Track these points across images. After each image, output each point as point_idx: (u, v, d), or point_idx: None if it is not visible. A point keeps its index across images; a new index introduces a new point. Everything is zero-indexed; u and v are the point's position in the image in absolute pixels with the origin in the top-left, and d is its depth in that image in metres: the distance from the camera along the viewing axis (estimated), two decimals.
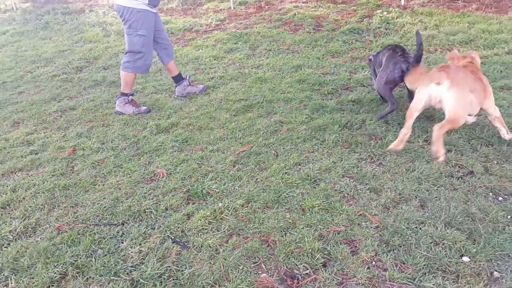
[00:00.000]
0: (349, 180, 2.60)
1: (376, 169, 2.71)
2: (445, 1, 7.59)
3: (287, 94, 4.15)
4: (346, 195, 2.46)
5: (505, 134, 2.87)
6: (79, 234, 2.27)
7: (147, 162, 3.06)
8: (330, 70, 4.78)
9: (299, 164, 2.86)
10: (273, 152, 3.06)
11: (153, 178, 2.84)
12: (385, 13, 6.80)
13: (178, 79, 4.35)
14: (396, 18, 6.52)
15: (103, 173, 2.95)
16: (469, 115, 2.86)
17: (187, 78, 4.38)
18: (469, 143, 2.91)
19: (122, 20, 3.83)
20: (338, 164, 2.79)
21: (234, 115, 3.80)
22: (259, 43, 6.21)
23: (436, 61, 4.60)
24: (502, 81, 3.88)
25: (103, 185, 2.79)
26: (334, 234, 2.10)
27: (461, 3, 7.30)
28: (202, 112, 3.93)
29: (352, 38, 5.91)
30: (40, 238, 2.29)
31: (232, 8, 8.75)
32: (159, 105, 4.16)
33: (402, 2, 7.38)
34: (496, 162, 2.65)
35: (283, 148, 3.10)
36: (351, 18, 6.94)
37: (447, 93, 2.58)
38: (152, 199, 2.56)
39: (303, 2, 8.54)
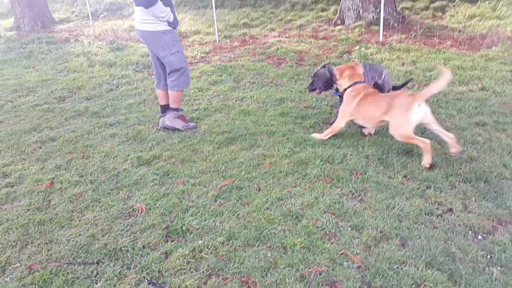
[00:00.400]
0: (331, 216, 2.59)
1: (357, 206, 2.71)
2: (421, 37, 7.89)
3: (270, 127, 4.17)
4: (328, 232, 2.45)
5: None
6: (51, 274, 2.18)
7: (126, 196, 3.00)
8: (312, 103, 4.85)
9: (281, 199, 2.84)
10: (255, 186, 3.04)
11: (131, 213, 2.78)
12: (363, 49, 7.02)
13: (165, 109, 4.31)
14: (375, 54, 6.73)
15: (80, 208, 2.88)
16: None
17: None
18: (447, 179, 2.95)
19: (150, 45, 3.98)
20: (320, 200, 2.79)
21: (217, 148, 3.79)
22: (243, 76, 6.29)
23: None
24: (477, 117, 4.00)
25: (79, 221, 2.72)
26: (315, 275, 2.07)
27: (436, 40, 7.61)
28: (185, 144, 3.91)
29: None
30: (10, 278, 2.19)
31: (217, 41, 8.91)
32: (141, 136, 4.12)
33: (381, 39, 7.65)
34: (474, 200, 2.69)
35: (266, 182, 3.09)
36: (331, 53, 7.13)
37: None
38: (129, 236, 2.49)
39: (285, 37, 8.76)
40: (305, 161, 3.37)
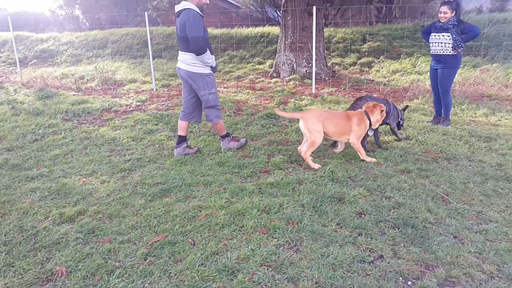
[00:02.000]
0: (267, 269, 2.53)
1: (293, 256, 2.68)
2: (350, 90, 8.46)
3: (207, 177, 4.10)
4: (264, 286, 2.37)
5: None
6: None
7: (44, 258, 2.72)
8: (249, 153, 4.88)
9: (216, 253, 2.73)
10: (190, 240, 2.91)
11: (49, 277, 2.50)
12: (297, 100, 7.35)
13: (181, 140, 4.91)
14: (308, 105, 7.05)
15: None
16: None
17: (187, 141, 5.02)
18: (377, 225, 3.04)
19: (194, 84, 4.63)
20: (256, 252, 2.72)
21: (150, 201, 3.63)
22: None
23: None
24: (403, 165, 4.25)
25: None
26: None
27: (364, 93, 8.18)
28: (114, 198, 3.70)
29: (270, 122, 6.21)
30: None
31: (154, 90, 8.86)
32: (66, 190, 3.84)
33: (313, 91, 8.08)
34: (403, 245, 2.78)
35: (201, 235, 2.98)
36: (268, 103, 7.36)
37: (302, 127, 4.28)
38: None
39: (224, 87, 8.95)
40: (242, 211, 3.31)
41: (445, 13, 5.34)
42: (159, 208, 3.44)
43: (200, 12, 4.40)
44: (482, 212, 3.26)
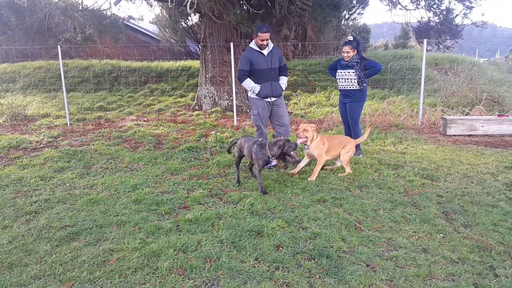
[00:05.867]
0: None
1: None
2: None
3: (121, 217, 3.88)
4: None
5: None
6: None
7: None
8: (168, 188, 4.74)
9: None
10: None
11: None
12: (219, 133, 7.38)
13: None
14: (230, 138, 7.11)
15: None
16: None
17: None
18: (294, 258, 3.06)
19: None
20: None
21: (56, 246, 3.32)
22: (95, 161, 5.91)
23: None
24: (318, 195, 4.37)
25: None
26: None
27: None
28: (16, 245, 3.34)
29: (191, 155, 6.13)
30: None
31: (68, 125, 8.36)
32: None
33: (235, 123, 8.20)
34: (318, 277, 2.80)
35: (111, 282, 2.77)
36: (189, 136, 7.29)
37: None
38: None
39: (144, 121, 8.72)
40: (157, 252, 3.15)
41: (347, 52, 5.77)
42: (66, 254, 3.16)
43: (257, 49, 5.36)
44: (392, 239, 3.36)
